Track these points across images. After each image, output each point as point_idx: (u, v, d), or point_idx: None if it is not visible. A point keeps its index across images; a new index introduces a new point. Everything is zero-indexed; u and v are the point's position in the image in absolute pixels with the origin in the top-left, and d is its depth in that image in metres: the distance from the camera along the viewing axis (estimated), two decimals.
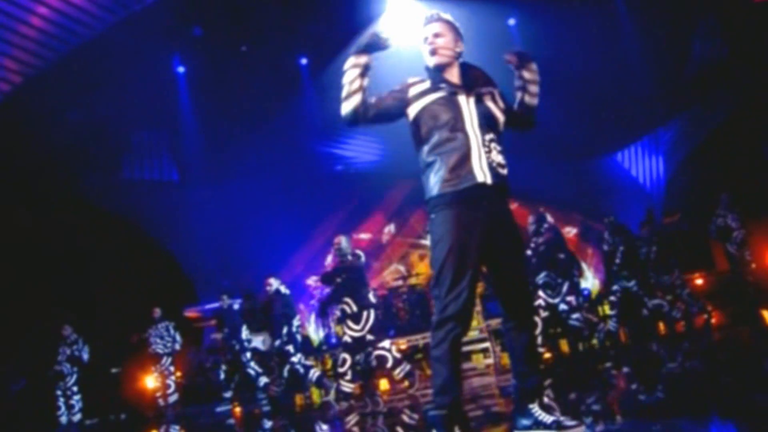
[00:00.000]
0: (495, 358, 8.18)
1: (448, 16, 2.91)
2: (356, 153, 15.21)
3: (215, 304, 9.62)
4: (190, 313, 11.84)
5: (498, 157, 2.72)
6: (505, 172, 2.75)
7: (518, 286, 2.73)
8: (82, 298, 11.08)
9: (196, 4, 10.87)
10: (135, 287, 11.50)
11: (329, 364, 11.12)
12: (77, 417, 9.32)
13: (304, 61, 13.41)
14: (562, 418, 2.62)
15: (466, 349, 8.28)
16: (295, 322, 8.00)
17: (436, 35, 2.85)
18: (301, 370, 7.81)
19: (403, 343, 9.38)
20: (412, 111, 2.86)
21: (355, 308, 6.29)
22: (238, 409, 8.24)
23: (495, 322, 8.43)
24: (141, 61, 10.99)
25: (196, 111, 12.80)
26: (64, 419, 9.19)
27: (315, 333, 13.50)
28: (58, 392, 9.28)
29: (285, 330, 7.86)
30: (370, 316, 6.28)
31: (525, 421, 2.67)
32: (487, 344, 8.39)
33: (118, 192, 12.76)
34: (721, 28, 11.94)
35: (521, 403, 2.70)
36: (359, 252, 6.61)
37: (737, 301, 8.55)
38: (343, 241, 6.49)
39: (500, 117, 2.84)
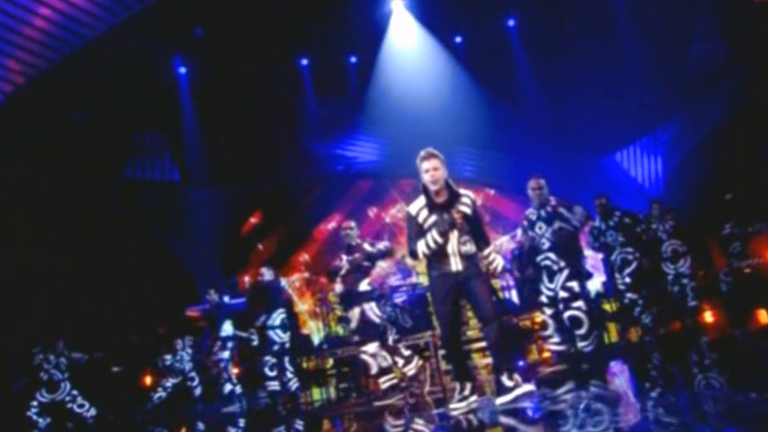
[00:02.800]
0: None
1: (438, 153, 4.10)
2: (356, 153, 15.26)
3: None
4: (192, 313, 11.86)
5: (467, 248, 4.11)
6: (472, 252, 4.14)
7: (481, 304, 4.09)
8: (84, 297, 11.12)
9: (197, 5, 10.92)
10: (136, 286, 11.54)
11: (329, 363, 11.14)
12: (92, 413, 9.19)
13: (304, 61, 13.48)
14: (518, 383, 3.94)
15: (465, 348, 8.34)
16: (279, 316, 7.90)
17: (435, 168, 4.06)
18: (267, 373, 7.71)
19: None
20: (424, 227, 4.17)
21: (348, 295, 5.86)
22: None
23: None
24: (143, 62, 11.05)
25: (197, 111, 12.86)
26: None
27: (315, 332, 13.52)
28: (36, 402, 9.03)
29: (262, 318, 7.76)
30: (355, 314, 5.79)
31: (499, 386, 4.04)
32: (485, 344, 8.44)
33: (120, 192, 12.82)
34: (720, 28, 11.99)
35: (495, 376, 4.22)
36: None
37: (734, 301, 8.60)
38: (353, 224, 6.06)
39: (471, 217, 4.17)
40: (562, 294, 5.68)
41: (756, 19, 10.76)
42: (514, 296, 12.72)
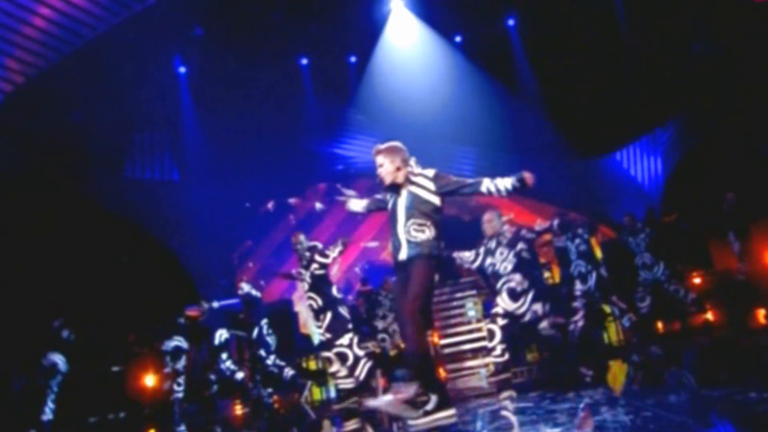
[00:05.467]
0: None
1: (385, 147, 3.98)
2: (356, 153, 15.26)
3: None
4: (192, 312, 11.86)
5: (414, 234, 3.81)
6: (419, 239, 3.79)
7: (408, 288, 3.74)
8: (84, 296, 11.11)
9: (197, 5, 10.92)
10: (136, 286, 11.53)
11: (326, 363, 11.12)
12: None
13: (304, 61, 13.48)
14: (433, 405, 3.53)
15: (465, 348, 8.32)
16: (264, 325, 8.23)
17: (380, 166, 3.93)
18: (275, 371, 8.01)
19: (402, 342, 9.39)
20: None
21: (320, 303, 6.20)
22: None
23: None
24: (142, 62, 11.04)
25: (197, 111, 12.86)
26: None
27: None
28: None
29: (255, 333, 8.14)
30: (327, 316, 6.18)
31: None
32: (485, 343, 8.43)
33: (120, 191, 12.81)
34: (720, 27, 11.99)
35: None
36: (317, 244, 6.49)
37: (734, 300, 8.60)
38: (301, 238, 6.49)
39: (430, 200, 3.89)
40: (529, 316, 5.83)
41: (756, 19, 10.76)
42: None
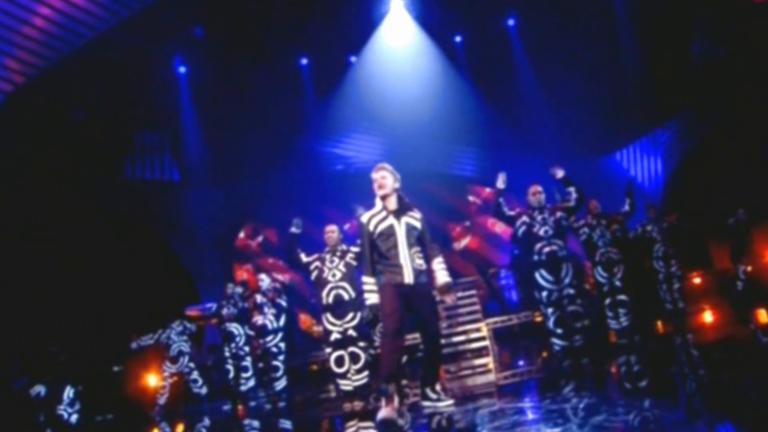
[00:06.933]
0: (494, 356, 8.23)
1: (389, 167, 4.45)
2: (356, 153, 15.27)
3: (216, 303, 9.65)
4: (191, 312, 11.86)
5: (418, 262, 4.28)
6: (423, 268, 4.30)
7: (428, 329, 4.31)
8: (83, 296, 11.12)
9: (197, 5, 10.93)
10: (136, 286, 11.54)
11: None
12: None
13: (304, 61, 13.48)
14: (441, 396, 4.26)
15: (465, 347, 8.33)
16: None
17: (383, 178, 4.38)
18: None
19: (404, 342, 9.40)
20: (374, 235, 4.31)
21: (353, 296, 6.01)
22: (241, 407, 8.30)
23: (493, 321, 8.48)
24: (142, 61, 11.04)
25: (197, 111, 12.87)
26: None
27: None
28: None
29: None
30: (357, 313, 6.02)
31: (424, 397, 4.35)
32: (486, 343, 8.45)
33: (120, 191, 12.82)
34: (720, 27, 12.00)
35: (421, 387, 4.40)
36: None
37: (734, 300, 8.61)
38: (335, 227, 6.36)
39: (420, 230, 4.34)
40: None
41: (756, 19, 10.77)
42: (514, 296, 12.75)
